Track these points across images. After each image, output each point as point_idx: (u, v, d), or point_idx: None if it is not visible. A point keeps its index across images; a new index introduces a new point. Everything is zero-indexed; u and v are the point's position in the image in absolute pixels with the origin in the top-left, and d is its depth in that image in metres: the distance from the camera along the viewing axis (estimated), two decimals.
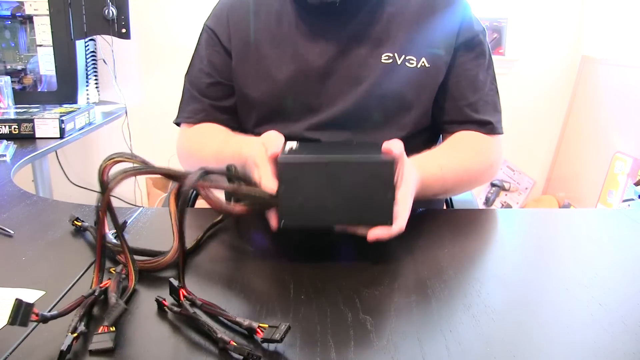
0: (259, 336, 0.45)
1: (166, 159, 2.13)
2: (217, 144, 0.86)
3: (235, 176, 0.61)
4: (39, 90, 1.85)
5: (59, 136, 1.37)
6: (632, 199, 1.95)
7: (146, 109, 2.39)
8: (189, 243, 0.65)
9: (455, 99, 0.89)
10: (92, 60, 2.06)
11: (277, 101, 0.89)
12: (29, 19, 1.80)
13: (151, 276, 0.58)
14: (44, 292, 0.54)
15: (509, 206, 2.68)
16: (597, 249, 0.69)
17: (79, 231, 0.70)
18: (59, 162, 2.38)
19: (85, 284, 0.55)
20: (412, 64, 0.86)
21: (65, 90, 1.83)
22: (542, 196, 2.68)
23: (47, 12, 1.77)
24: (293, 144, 0.66)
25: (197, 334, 0.47)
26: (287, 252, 0.65)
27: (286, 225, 0.60)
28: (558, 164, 2.64)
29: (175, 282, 0.51)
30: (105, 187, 0.51)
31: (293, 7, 0.88)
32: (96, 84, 2.13)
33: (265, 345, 0.45)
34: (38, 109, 1.49)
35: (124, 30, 1.85)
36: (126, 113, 2.22)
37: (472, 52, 0.89)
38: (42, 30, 1.79)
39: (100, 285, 0.52)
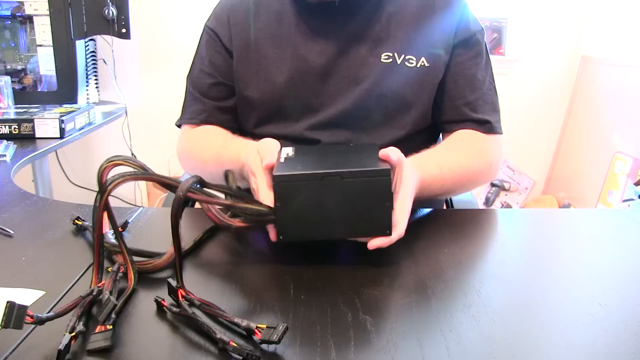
0: (257, 337, 0.45)
1: (166, 159, 2.14)
2: (216, 147, 0.86)
3: (230, 191, 0.60)
4: (39, 90, 1.85)
5: (59, 136, 1.37)
6: (632, 199, 1.95)
7: (146, 109, 2.39)
8: (188, 243, 0.65)
9: (453, 98, 0.89)
10: (92, 60, 2.06)
11: (277, 101, 0.89)
12: (29, 19, 1.79)
13: (150, 276, 0.58)
14: (44, 292, 0.54)
15: (509, 206, 2.68)
16: (597, 249, 0.69)
17: (79, 231, 0.70)
18: (59, 162, 2.38)
19: (85, 284, 0.55)
20: (412, 63, 0.86)
21: (65, 90, 1.82)
22: (542, 196, 2.68)
23: (47, 12, 1.77)
24: (289, 151, 0.66)
25: (196, 334, 0.47)
26: (287, 252, 0.65)
27: (285, 240, 0.60)
28: (558, 164, 2.64)
29: (174, 283, 0.51)
30: (104, 189, 0.52)
31: (293, 7, 0.88)
32: (96, 84, 2.13)
33: (264, 345, 0.45)
34: (38, 109, 1.49)
35: (124, 30, 1.85)
36: (126, 113, 2.22)
37: (469, 51, 0.89)
38: (42, 30, 1.79)
39: (99, 285, 0.52)
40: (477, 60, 0.89)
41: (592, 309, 0.52)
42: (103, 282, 0.53)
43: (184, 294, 0.51)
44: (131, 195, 2.49)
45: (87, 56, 1.98)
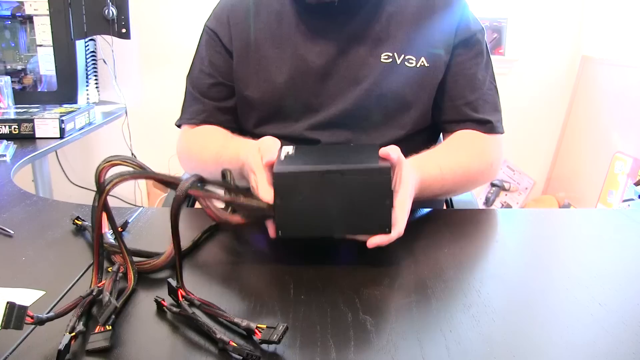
0: (257, 337, 0.45)
1: (166, 159, 2.13)
2: (216, 147, 0.86)
3: (230, 186, 0.60)
4: (39, 90, 1.85)
5: (59, 136, 1.37)
6: (632, 199, 1.94)
7: (146, 109, 2.39)
8: (187, 243, 0.65)
9: (453, 98, 0.89)
10: (92, 60, 2.06)
11: (277, 101, 0.89)
12: (29, 19, 1.79)
13: (150, 276, 0.58)
14: (44, 292, 0.54)
15: (509, 206, 2.68)
16: (597, 249, 0.69)
17: (79, 231, 0.70)
18: (59, 162, 2.38)
19: (85, 284, 0.55)
20: (412, 63, 0.86)
21: (65, 90, 1.82)
22: (542, 196, 2.68)
23: (47, 12, 1.77)
24: (289, 149, 0.66)
25: (196, 334, 0.47)
26: (287, 252, 0.65)
27: (284, 236, 0.60)
28: (558, 164, 2.64)
29: (174, 283, 0.51)
30: (102, 189, 0.52)
31: (293, 7, 0.88)
32: (96, 84, 2.13)
33: (264, 345, 0.45)
34: (38, 109, 1.49)
35: (124, 30, 1.85)
36: (126, 113, 2.22)
37: (470, 51, 0.89)
38: (42, 30, 1.79)
39: (99, 285, 0.52)
40: (478, 60, 0.89)
41: (592, 309, 0.52)
42: (103, 282, 0.53)
43: (184, 294, 0.51)
44: (131, 195, 2.49)
45: (87, 56, 1.98)
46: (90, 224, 0.69)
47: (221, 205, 0.60)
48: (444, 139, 0.94)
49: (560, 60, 2.54)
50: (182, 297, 0.50)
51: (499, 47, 2.51)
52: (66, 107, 1.55)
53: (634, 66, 2.18)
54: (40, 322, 0.45)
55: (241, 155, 0.73)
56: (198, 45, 0.96)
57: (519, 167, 2.68)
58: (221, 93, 0.93)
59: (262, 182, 0.63)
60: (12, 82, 1.67)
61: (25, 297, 0.53)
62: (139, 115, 2.36)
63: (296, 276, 0.58)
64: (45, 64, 1.82)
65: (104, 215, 0.54)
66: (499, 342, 0.47)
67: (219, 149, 0.85)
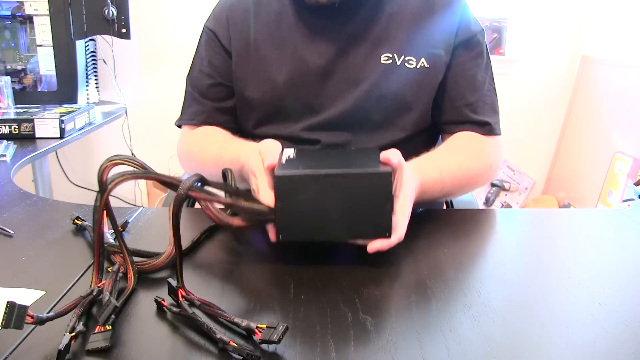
0: (257, 337, 0.45)
1: (166, 159, 2.14)
2: (216, 149, 0.86)
3: (231, 189, 0.60)
4: (39, 90, 1.85)
5: (59, 136, 1.37)
6: (632, 199, 1.94)
7: (146, 109, 2.39)
8: (187, 243, 0.65)
9: (453, 99, 0.89)
10: (92, 60, 2.06)
11: (277, 102, 0.89)
12: (29, 19, 1.79)
13: (150, 276, 0.58)
14: (44, 292, 0.54)
15: (509, 206, 2.68)
16: (597, 249, 0.69)
17: (79, 231, 0.70)
18: (59, 162, 2.38)
19: (85, 283, 0.55)
20: (412, 64, 0.86)
21: (65, 90, 1.82)
22: (542, 196, 2.68)
23: (47, 12, 1.77)
24: (290, 152, 0.66)
25: (196, 334, 0.47)
26: (287, 252, 0.65)
27: (284, 240, 0.60)
28: (558, 164, 2.64)
29: (174, 283, 0.51)
30: (104, 188, 0.52)
31: (293, 8, 0.88)
32: (96, 84, 2.13)
33: (264, 345, 0.45)
34: (38, 109, 1.49)
35: (124, 30, 1.85)
36: (126, 113, 2.22)
37: (470, 52, 0.89)
38: (42, 30, 1.79)
39: (99, 285, 0.52)
40: (478, 61, 0.89)
41: (592, 309, 0.52)
42: (103, 282, 0.53)
43: (184, 294, 0.51)
44: (131, 195, 2.49)
45: (87, 56, 1.98)
46: (90, 224, 0.69)
47: (221, 206, 0.60)
48: (443, 140, 0.94)
49: (560, 60, 2.54)
50: (182, 297, 0.50)
51: (499, 47, 2.51)
52: (66, 107, 1.55)
53: (634, 66, 2.18)
54: (41, 321, 0.45)
55: (242, 158, 0.73)
56: (197, 46, 0.96)
57: (519, 167, 2.68)
58: (220, 93, 0.93)
59: (262, 185, 0.63)
60: (12, 82, 1.67)
61: (25, 297, 0.53)
62: (139, 115, 2.36)
63: (296, 276, 0.58)
64: (45, 64, 1.82)
65: (105, 215, 0.54)
66: (499, 342, 0.47)
67: (219, 150, 0.85)
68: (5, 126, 1.34)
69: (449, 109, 0.90)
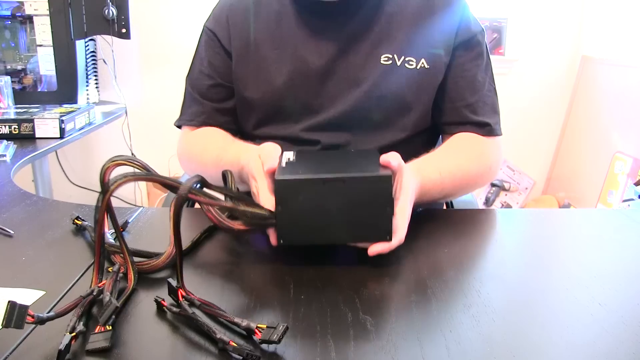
0: (257, 337, 0.45)
1: (166, 159, 2.14)
2: (216, 150, 0.86)
3: (231, 193, 0.61)
4: (39, 90, 1.85)
5: (59, 136, 1.37)
6: (632, 199, 1.94)
7: (146, 109, 2.39)
8: (186, 244, 0.65)
9: (453, 99, 0.89)
10: (92, 60, 2.06)
11: (277, 102, 0.89)
12: (29, 19, 1.79)
13: (150, 276, 0.58)
14: (44, 292, 0.54)
15: (509, 206, 2.68)
16: (597, 249, 0.69)
17: (79, 231, 0.70)
18: (59, 162, 2.38)
19: (85, 284, 0.55)
20: (412, 65, 0.86)
21: (65, 90, 1.82)
22: (542, 196, 2.68)
23: (47, 12, 1.77)
24: (290, 155, 0.66)
25: (196, 334, 0.47)
26: (287, 252, 0.65)
27: (285, 243, 0.60)
28: (558, 164, 2.64)
29: (174, 283, 0.51)
30: (106, 189, 0.52)
31: (293, 8, 0.88)
32: (96, 84, 2.13)
33: (264, 345, 0.45)
34: (38, 109, 1.49)
35: (124, 30, 1.85)
36: (126, 113, 2.22)
37: (470, 52, 0.89)
38: (42, 30, 1.79)
39: (99, 285, 0.52)
40: (478, 62, 0.89)
41: (592, 309, 0.52)
42: (104, 282, 0.53)
43: (184, 294, 0.51)
44: (131, 195, 2.49)
45: (87, 56, 1.98)
46: (90, 224, 0.69)
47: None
48: (443, 140, 0.94)
49: (560, 60, 2.54)
50: (182, 297, 0.50)
51: (499, 47, 2.51)
52: (66, 107, 1.55)
53: (634, 66, 2.18)
54: (41, 321, 0.45)
55: (242, 160, 0.73)
56: (197, 46, 0.96)
57: (519, 167, 2.68)
58: (220, 94, 0.93)
59: (263, 189, 0.63)
60: (12, 82, 1.67)
61: (25, 297, 0.53)
62: (139, 115, 2.36)
63: (296, 276, 0.58)
64: (45, 64, 1.82)
65: (106, 215, 0.55)
66: (499, 342, 0.47)
67: (219, 151, 0.85)
68: (5, 126, 1.34)
69: (448, 109, 0.90)
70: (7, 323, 0.41)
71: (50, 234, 0.69)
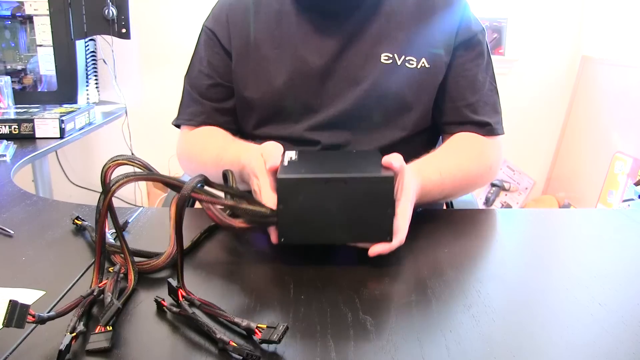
0: (257, 337, 0.45)
1: (166, 159, 2.14)
2: (216, 149, 0.86)
3: (233, 191, 0.61)
4: (39, 90, 1.85)
5: (59, 136, 1.37)
6: (632, 199, 1.94)
7: (146, 109, 2.39)
8: (186, 244, 0.65)
9: (454, 99, 0.89)
10: (92, 60, 2.06)
11: (276, 102, 0.89)
12: (29, 19, 1.79)
13: (150, 276, 0.58)
14: (44, 292, 0.54)
15: (509, 206, 2.68)
16: (597, 249, 0.69)
17: (79, 231, 0.70)
18: (59, 162, 2.38)
19: (85, 284, 0.55)
20: (412, 64, 0.86)
21: (65, 90, 1.82)
22: (542, 196, 2.68)
23: (47, 12, 1.77)
24: (292, 154, 0.66)
25: (196, 334, 0.47)
26: (287, 252, 0.65)
27: (286, 242, 0.60)
28: (558, 164, 2.64)
29: (174, 283, 0.51)
30: (108, 189, 0.52)
31: (293, 7, 0.88)
32: (96, 84, 2.13)
33: (264, 345, 0.45)
34: (38, 109, 1.49)
35: (124, 30, 1.85)
36: (126, 113, 2.22)
37: (471, 52, 0.89)
38: (42, 30, 1.79)
39: (99, 285, 0.52)
40: (479, 62, 0.89)
41: (592, 309, 0.52)
42: (104, 282, 0.53)
43: (184, 294, 0.51)
44: (131, 195, 2.49)
45: (87, 56, 1.98)
46: (90, 224, 0.69)
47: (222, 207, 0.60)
48: (443, 140, 0.94)
49: (560, 60, 2.54)
50: (182, 297, 0.50)
51: (499, 47, 2.51)
52: (66, 107, 1.55)
53: (634, 66, 2.18)
54: (42, 321, 0.45)
55: (242, 159, 0.73)
56: (196, 46, 0.96)
57: (519, 167, 2.68)
58: (220, 94, 0.93)
59: (265, 187, 0.63)
60: (12, 82, 1.67)
61: (26, 297, 0.53)
62: (139, 115, 2.36)
63: (296, 276, 0.58)
64: (45, 64, 1.82)
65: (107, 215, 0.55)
66: (499, 342, 0.47)
67: (219, 151, 0.85)
68: (5, 126, 1.34)
69: (449, 109, 0.90)
70: (8, 322, 0.41)
71: (50, 234, 0.69)
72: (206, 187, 0.56)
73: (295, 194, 0.58)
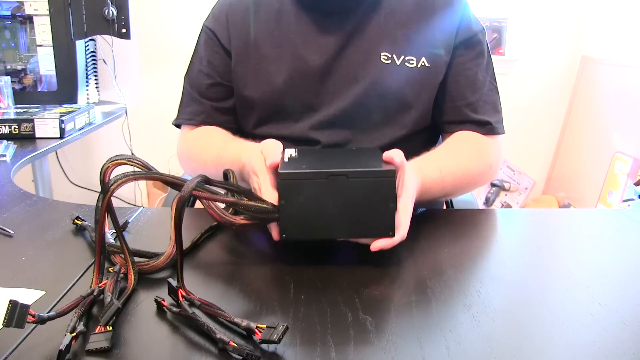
0: (257, 337, 0.45)
1: (166, 159, 2.14)
2: (216, 149, 0.86)
3: (234, 188, 0.61)
4: (39, 90, 1.85)
5: (59, 136, 1.37)
6: (632, 199, 1.95)
7: (146, 109, 2.39)
8: (186, 244, 0.65)
9: (454, 98, 0.89)
10: (92, 60, 2.06)
11: (276, 101, 0.89)
12: (29, 19, 1.80)
13: (150, 277, 0.58)
14: (44, 292, 0.54)
15: (509, 206, 2.68)
16: (597, 249, 0.69)
17: (79, 231, 0.70)
18: (59, 162, 2.38)
19: (85, 284, 0.55)
20: (412, 64, 0.86)
21: (65, 90, 1.82)
22: (542, 196, 2.68)
23: (47, 12, 1.77)
24: (292, 152, 0.66)
25: (196, 334, 0.47)
26: (287, 252, 0.65)
27: (287, 239, 0.60)
28: (558, 164, 2.64)
29: (174, 283, 0.51)
30: (107, 189, 0.52)
31: (293, 6, 0.88)
32: (96, 84, 2.13)
33: (264, 345, 0.45)
34: (38, 109, 1.49)
35: (124, 30, 1.85)
36: (126, 113, 2.22)
37: (471, 51, 0.89)
38: (42, 30, 1.79)
39: (99, 285, 0.52)
40: (479, 61, 0.89)
41: (592, 309, 0.52)
42: (104, 282, 0.53)
43: (184, 294, 0.51)
44: (131, 195, 2.49)
45: (87, 56, 1.98)
46: (90, 224, 0.69)
47: (223, 205, 0.60)
48: (443, 139, 0.94)
49: (560, 60, 2.55)
50: (182, 297, 0.50)
51: (499, 47, 2.51)
52: (66, 107, 1.55)
53: (634, 66, 2.18)
54: (42, 321, 0.45)
55: (242, 158, 0.73)
56: (196, 45, 0.96)
57: (519, 167, 2.68)
58: (220, 93, 0.93)
59: (265, 184, 0.63)
60: (12, 82, 1.67)
61: (26, 297, 0.53)
62: (139, 115, 2.36)
63: (296, 276, 0.58)
64: (45, 64, 1.82)
65: (106, 215, 0.54)
66: (499, 342, 0.47)
67: (219, 150, 0.85)
68: (5, 126, 1.34)
69: (449, 108, 0.90)
70: (8, 322, 0.41)
71: (50, 234, 0.69)
72: (207, 185, 0.56)
73: (296, 189, 0.58)
